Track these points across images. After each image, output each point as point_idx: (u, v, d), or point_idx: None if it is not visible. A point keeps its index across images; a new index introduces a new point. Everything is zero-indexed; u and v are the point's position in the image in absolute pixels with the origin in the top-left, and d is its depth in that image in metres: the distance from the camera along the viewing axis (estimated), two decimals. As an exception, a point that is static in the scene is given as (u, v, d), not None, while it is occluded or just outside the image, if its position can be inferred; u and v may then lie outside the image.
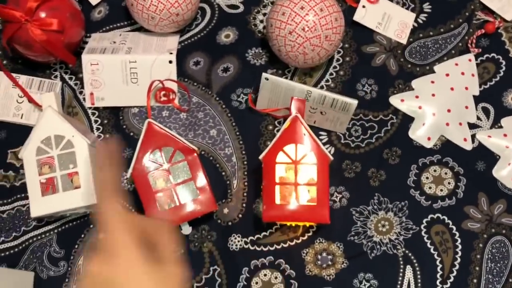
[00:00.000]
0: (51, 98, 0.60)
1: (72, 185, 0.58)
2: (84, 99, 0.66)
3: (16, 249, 0.61)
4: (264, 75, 0.60)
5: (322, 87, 0.66)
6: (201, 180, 0.58)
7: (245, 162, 0.63)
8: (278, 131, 0.63)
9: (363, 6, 0.68)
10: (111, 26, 0.69)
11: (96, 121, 0.66)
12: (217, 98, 0.66)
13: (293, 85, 0.60)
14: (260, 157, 0.57)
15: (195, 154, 0.59)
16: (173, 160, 0.58)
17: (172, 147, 0.58)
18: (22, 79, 0.65)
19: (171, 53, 0.64)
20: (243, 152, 0.64)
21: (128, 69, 0.63)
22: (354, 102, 0.60)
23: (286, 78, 0.66)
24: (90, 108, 0.66)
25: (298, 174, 0.56)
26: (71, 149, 0.58)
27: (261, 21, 0.69)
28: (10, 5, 0.60)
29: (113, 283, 0.38)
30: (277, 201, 0.56)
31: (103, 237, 0.40)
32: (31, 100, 0.64)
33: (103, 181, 0.43)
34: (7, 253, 0.61)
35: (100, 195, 0.45)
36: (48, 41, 0.60)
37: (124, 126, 0.65)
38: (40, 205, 0.57)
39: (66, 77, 0.67)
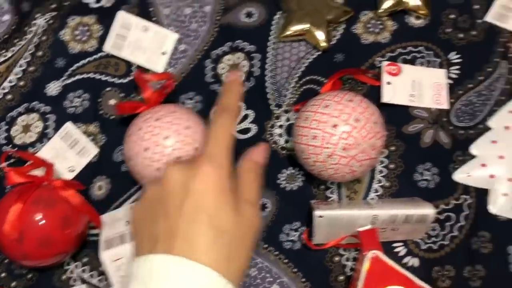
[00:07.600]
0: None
1: None
2: (116, 297, 0.56)
3: None
4: (316, 213, 0.50)
5: (376, 191, 0.56)
6: None
7: (326, 311, 0.54)
8: (348, 260, 0.54)
9: (388, 83, 0.59)
10: (121, 200, 0.59)
11: (137, 317, 0.55)
12: (265, 246, 0.56)
13: (356, 214, 0.50)
14: (350, 316, 0.48)
15: None
16: None
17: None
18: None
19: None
20: (319, 299, 0.54)
21: (156, 250, 0.53)
22: (431, 212, 0.50)
23: (338, 202, 0.56)
24: (126, 306, 0.56)
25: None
26: None
27: (280, 135, 0.59)
28: None
29: (188, 189, 0.37)
30: None
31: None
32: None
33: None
34: None
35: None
36: None
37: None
38: None
39: (85, 276, 0.57)
